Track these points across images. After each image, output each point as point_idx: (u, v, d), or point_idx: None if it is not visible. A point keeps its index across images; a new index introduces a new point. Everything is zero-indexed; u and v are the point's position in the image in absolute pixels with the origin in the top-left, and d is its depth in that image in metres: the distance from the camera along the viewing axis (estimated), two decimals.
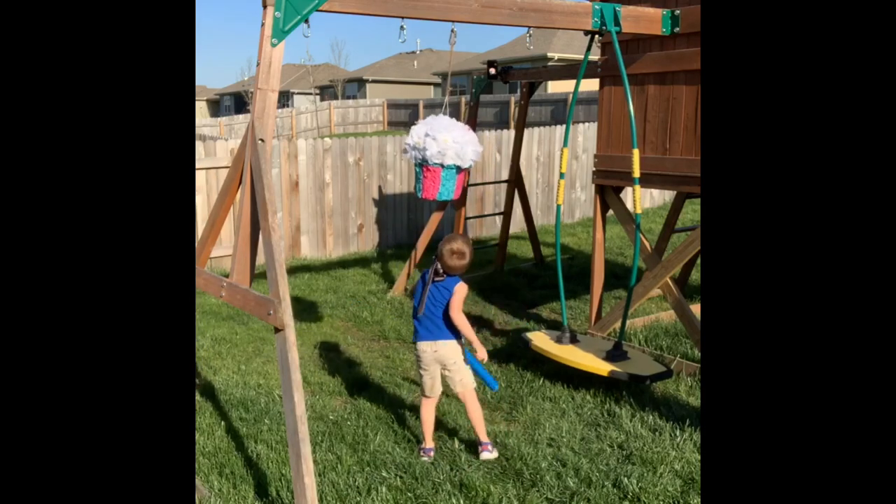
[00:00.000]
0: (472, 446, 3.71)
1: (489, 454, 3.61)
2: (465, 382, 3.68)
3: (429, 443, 3.72)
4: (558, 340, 4.72)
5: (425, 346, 3.67)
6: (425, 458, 3.63)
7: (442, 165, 5.66)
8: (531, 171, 10.44)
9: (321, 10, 3.31)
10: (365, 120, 33.55)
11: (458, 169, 5.55)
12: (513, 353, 5.17)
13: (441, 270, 3.63)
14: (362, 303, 6.62)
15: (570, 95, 16.49)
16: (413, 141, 5.46)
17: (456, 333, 3.66)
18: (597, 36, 4.72)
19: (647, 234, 7.67)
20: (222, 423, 4.02)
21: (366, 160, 8.97)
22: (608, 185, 5.31)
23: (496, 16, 3.84)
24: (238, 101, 50.77)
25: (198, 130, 25.46)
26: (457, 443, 3.76)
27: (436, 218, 7.08)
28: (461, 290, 3.61)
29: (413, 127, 5.65)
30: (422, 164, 5.49)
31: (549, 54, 29.89)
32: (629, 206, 7.95)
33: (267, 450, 3.68)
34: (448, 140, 5.50)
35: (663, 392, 4.41)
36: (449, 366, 3.67)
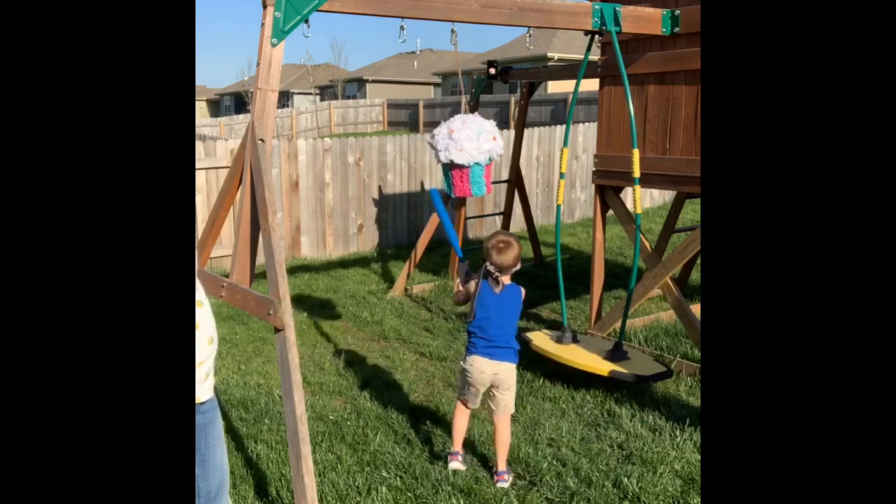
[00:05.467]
0: (470, 447, 3.71)
1: (505, 483, 3.33)
2: (510, 407, 3.41)
3: (458, 446, 3.51)
4: (558, 340, 4.73)
5: (484, 367, 3.30)
6: (456, 464, 3.43)
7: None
8: (531, 171, 10.45)
9: (321, 10, 3.32)
10: (365, 120, 33.55)
11: None
12: None
13: (495, 274, 3.25)
14: (362, 303, 6.62)
15: (570, 95, 16.48)
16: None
17: (518, 353, 3.40)
18: (597, 36, 4.73)
19: (647, 234, 7.67)
20: (222, 423, 4.02)
21: (366, 160, 8.97)
22: (608, 185, 5.31)
23: (496, 16, 3.84)
24: (238, 101, 50.78)
25: (198, 130, 25.46)
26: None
27: (436, 217, 7.08)
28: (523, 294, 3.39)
29: (468, 135, 5.83)
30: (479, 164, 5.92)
31: (549, 54, 29.90)
32: (629, 206, 7.96)
33: (267, 450, 3.68)
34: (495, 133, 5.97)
35: (663, 392, 4.41)
36: (503, 389, 3.37)
